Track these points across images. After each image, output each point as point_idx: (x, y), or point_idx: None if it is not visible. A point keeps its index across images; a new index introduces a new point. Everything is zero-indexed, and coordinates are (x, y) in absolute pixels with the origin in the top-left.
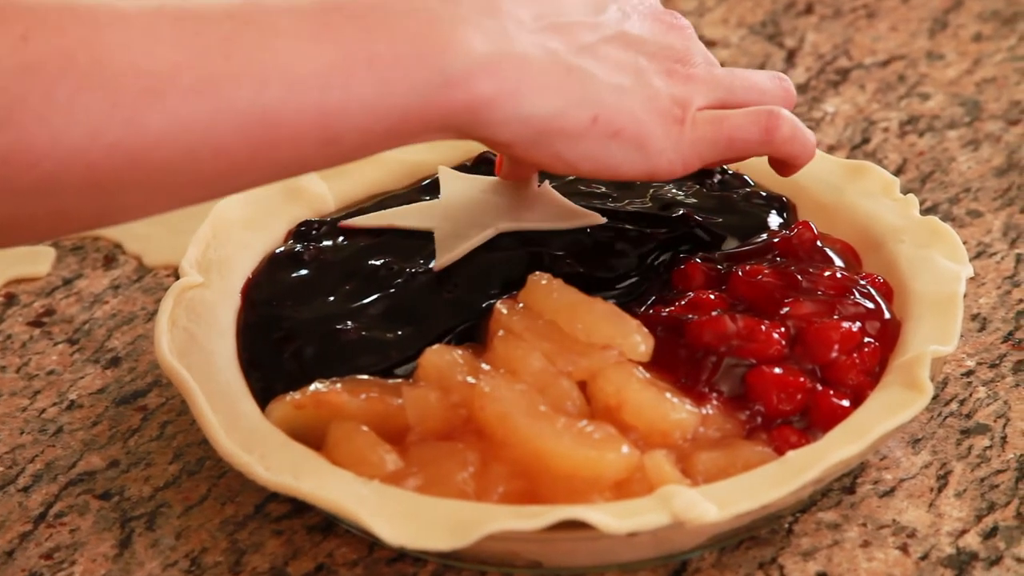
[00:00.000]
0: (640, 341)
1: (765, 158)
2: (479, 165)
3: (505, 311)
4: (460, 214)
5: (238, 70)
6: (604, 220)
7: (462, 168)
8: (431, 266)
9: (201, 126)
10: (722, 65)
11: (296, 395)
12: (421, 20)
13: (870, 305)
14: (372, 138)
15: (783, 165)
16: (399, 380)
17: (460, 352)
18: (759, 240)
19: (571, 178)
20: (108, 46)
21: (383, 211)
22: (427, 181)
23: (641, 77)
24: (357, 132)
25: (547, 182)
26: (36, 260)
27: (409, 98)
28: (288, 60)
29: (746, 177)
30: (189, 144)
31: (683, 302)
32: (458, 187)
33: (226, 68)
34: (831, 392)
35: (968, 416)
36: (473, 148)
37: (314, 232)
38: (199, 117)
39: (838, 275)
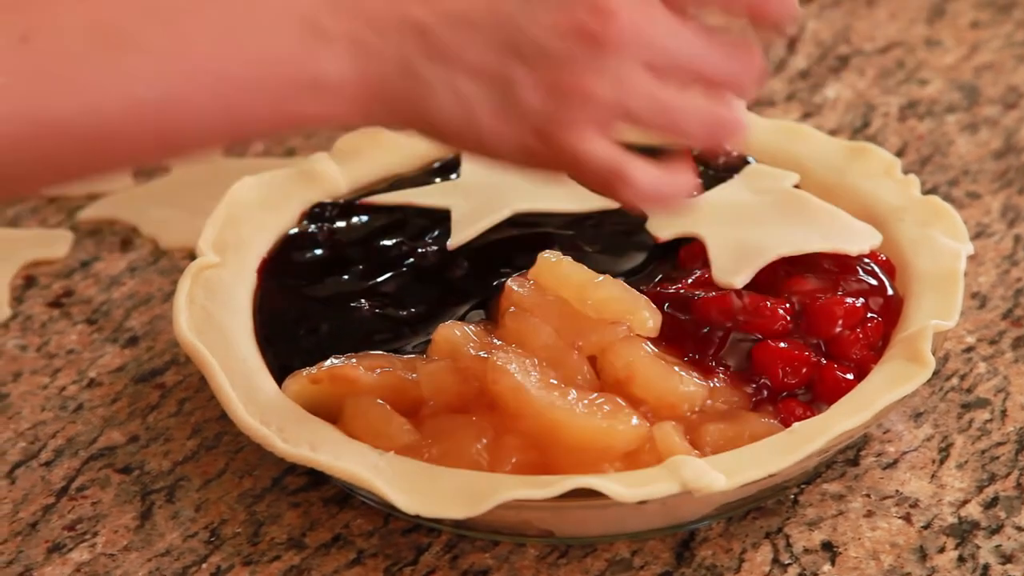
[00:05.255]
0: (648, 317)
1: (767, 136)
2: None
3: (516, 288)
4: (478, 194)
5: (69, 86)
6: (619, 205)
7: None
8: (445, 245)
9: (25, 131)
10: None
11: (312, 370)
12: (271, 32)
13: (873, 282)
14: (210, 143)
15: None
16: (413, 356)
17: (472, 328)
18: None
19: None
20: None
21: (403, 190)
22: (438, 164)
23: (506, 90)
24: (196, 145)
25: None
26: (54, 243)
27: (245, 112)
28: (130, 78)
29: (749, 158)
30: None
31: (690, 280)
32: (478, 167)
33: (57, 90)
34: (835, 366)
35: (969, 391)
36: None
37: (328, 213)
38: (23, 116)
39: None
